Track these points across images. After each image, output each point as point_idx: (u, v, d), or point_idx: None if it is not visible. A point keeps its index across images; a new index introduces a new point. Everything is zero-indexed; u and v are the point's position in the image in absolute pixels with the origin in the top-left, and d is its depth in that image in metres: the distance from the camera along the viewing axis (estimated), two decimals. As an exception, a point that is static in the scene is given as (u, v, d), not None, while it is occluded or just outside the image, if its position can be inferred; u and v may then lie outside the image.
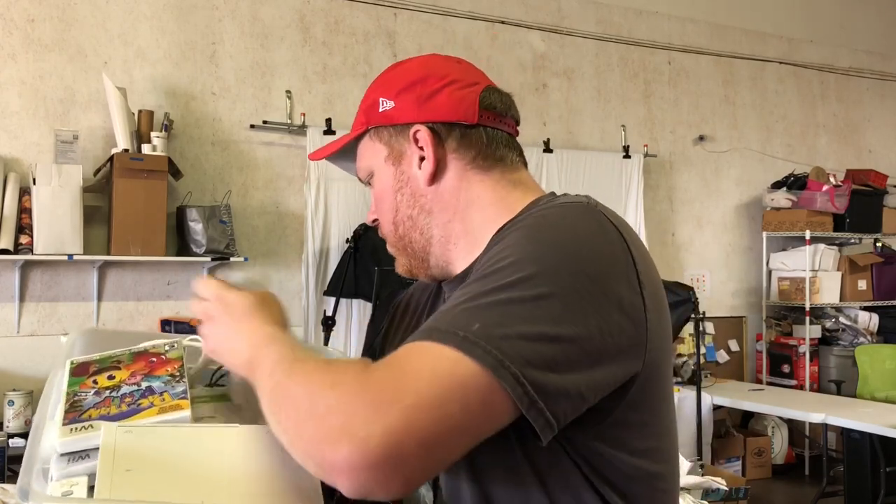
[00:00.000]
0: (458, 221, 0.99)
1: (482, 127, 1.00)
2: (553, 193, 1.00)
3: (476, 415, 0.74)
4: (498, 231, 0.94)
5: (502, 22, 5.14)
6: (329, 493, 0.88)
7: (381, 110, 1.00)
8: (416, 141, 0.99)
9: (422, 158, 0.99)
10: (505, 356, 0.74)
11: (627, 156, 5.43)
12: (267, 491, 0.85)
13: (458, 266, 1.01)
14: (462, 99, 0.99)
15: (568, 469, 0.85)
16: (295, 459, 0.77)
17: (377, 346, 1.16)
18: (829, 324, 5.98)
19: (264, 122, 4.41)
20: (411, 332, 1.09)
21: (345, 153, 1.07)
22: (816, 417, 4.37)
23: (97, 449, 0.85)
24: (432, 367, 0.75)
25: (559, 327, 0.77)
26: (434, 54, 1.06)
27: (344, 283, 4.24)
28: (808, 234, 5.74)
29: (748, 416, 5.68)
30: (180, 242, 4.11)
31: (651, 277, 0.88)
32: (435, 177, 0.99)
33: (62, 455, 0.86)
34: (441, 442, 0.73)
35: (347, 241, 4.36)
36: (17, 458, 3.34)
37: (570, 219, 0.87)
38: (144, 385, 0.95)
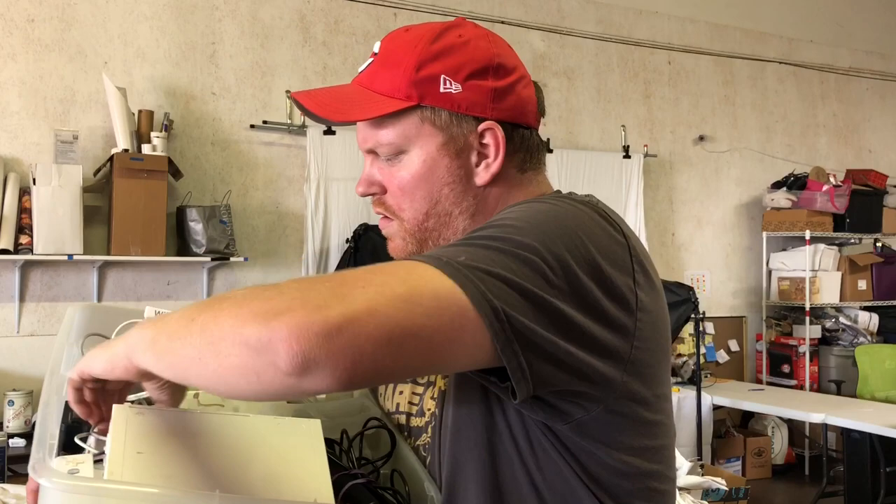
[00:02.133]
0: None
1: (534, 131, 0.96)
2: (559, 191, 0.98)
3: (441, 328, 0.69)
4: None
5: (502, 22, 5.14)
6: (337, 487, 0.87)
7: (442, 90, 0.89)
8: (482, 137, 0.91)
9: (480, 155, 0.92)
10: (487, 289, 0.71)
11: (627, 156, 5.43)
12: (277, 482, 0.85)
13: None
14: (528, 100, 0.94)
15: (558, 463, 0.84)
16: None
17: None
18: (829, 324, 5.98)
19: (264, 122, 4.41)
20: None
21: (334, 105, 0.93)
22: (816, 417, 4.37)
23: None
24: (408, 271, 0.72)
25: (540, 291, 0.74)
26: (479, 27, 0.95)
27: (344, 283, 4.23)
28: (808, 234, 5.73)
29: (748, 416, 5.68)
30: (180, 242, 4.11)
31: (649, 276, 0.86)
32: (493, 180, 0.93)
33: None
34: (399, 338, 0.67)
35: (347, 240, 4.36)
36: (17, 458, 3.33)
37: (573, 209, 0.85)
38: None
